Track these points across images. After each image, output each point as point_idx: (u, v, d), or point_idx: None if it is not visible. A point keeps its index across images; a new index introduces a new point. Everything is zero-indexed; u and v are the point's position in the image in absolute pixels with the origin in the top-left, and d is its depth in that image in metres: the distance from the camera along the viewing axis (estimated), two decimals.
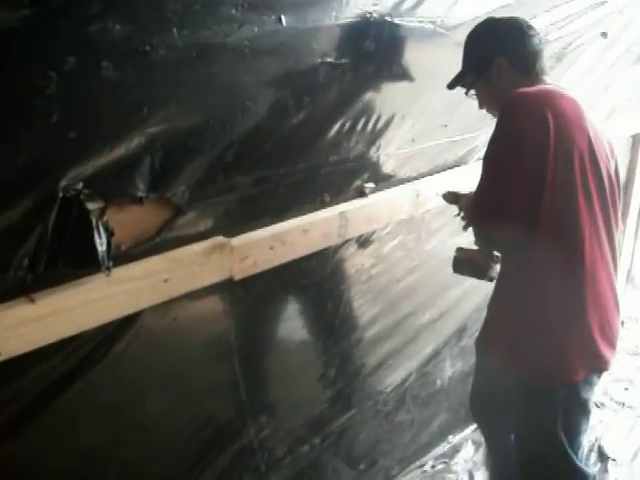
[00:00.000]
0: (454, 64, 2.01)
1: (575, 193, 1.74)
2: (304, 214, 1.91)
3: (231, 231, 1.72)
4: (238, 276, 1.74)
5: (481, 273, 1.95)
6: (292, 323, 2.06)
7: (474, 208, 1.89)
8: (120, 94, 1.39)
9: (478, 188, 1.85)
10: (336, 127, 1.90)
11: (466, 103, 2.02)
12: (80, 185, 1.38)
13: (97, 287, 1.43)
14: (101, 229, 1.40)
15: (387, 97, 2.03)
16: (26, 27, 1.21)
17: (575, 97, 1.85)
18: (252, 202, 1.76)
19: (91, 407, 1.59)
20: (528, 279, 1.83)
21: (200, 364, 1.80)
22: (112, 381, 1.61)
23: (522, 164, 1.71)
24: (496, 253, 1.96)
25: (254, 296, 1.87)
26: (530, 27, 1.91)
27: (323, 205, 1.97)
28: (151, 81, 1.44)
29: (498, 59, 1.89)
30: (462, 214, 2.09)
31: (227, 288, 1.77)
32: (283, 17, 1.62)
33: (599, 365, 1.88)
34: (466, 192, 2.04)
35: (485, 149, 1.84)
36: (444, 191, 2.17)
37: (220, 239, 1.68)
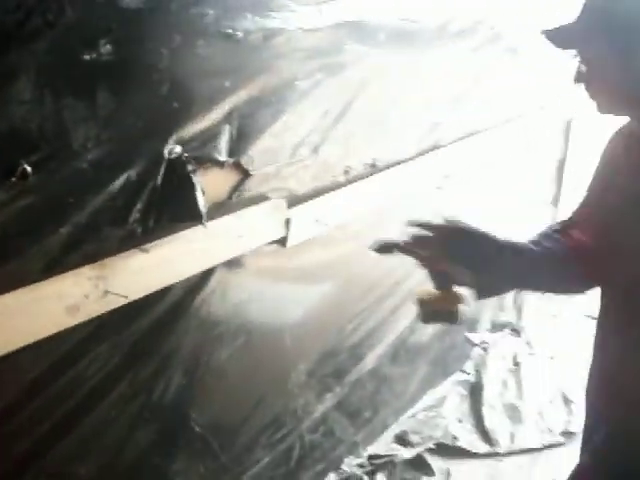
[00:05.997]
0: None
1: None
2: None
3: None
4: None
5: (453, 318, 1.52)
6: None
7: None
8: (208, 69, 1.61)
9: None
10: None
11: None
12: (180, 149, 1.58)
13: (196, 239, 1.63)
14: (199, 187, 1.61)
15: None
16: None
17: None
18: None
19: None
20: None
21: None
22: None
23: None
24: (461, 291, 1.44)
25: None
26: None
27: None
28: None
29: None
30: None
31: None
32: None
33: None
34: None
35: None
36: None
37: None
